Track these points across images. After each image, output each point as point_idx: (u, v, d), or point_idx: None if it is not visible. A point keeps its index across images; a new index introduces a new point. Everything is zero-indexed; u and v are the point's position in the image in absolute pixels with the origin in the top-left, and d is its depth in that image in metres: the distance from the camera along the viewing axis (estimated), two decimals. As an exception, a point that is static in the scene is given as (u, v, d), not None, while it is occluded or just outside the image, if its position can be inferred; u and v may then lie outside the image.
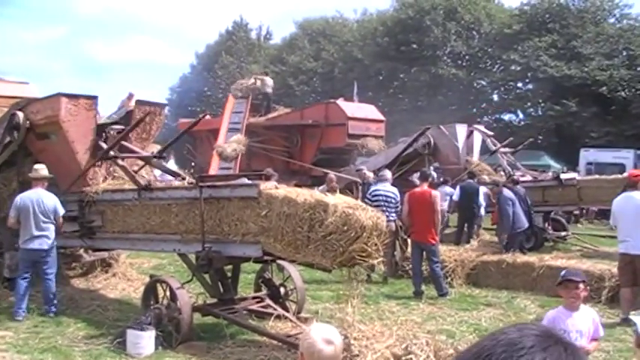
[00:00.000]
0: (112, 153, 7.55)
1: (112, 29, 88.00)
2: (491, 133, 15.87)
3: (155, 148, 8.97)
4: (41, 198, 7.44)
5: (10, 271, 8.35)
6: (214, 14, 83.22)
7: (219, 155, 16.71)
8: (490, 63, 35.36)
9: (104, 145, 7.79)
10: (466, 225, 12.16)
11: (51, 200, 7.48)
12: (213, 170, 15.82)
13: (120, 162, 7.53)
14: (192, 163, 18.40)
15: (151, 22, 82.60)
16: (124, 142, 7.63)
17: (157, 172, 8.89)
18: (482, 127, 16.06)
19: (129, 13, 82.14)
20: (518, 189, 11.25)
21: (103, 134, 8.11)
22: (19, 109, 8.42)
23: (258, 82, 19.59)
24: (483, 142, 15.01)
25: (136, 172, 7.86)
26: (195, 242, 6.45)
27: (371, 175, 11.58)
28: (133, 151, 7.80)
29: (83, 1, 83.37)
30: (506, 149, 15.30)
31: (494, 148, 14.94)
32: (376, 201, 9.10)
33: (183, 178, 7.30)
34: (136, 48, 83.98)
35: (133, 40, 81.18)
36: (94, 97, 8.09)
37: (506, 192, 10.61)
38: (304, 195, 5.66)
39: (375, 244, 5.27)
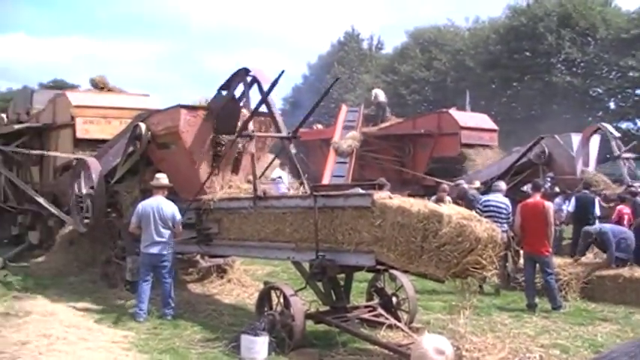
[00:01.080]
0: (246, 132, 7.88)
1: (226, 42, 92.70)
2: (618, 134, 15.21)
3: (268, 158, 9.38)
4: (161, 205, 7.91)
5: (131, 274, 8.98)
6: (326, 25, 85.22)
7: (335, 151, 17.37)
8: (606, 70, 33.92)
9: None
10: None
11: (170, 208, 7.93)
12: (326, 179, 16.23)
13: (250, 146, 7.86)
14: (305, 174, 19.05)
15: (264, 35, 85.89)
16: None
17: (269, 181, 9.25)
18: (609, 127, 15.38)
19: (242, 26, 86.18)
20: (636, 200, 10.73)
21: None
22: (141, 121, 9.08)
23: (373, 94, 20.19)
24: (604, 146, 14.45)
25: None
26: (309, 251, 6.61)
27: (467, 187, 11.49)
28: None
29: (199, 16, 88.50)
30: (629, 154, 14.61)
31: (618, 152, 14.33)
32: (487, 211, 8.98)
33: (302, 183, 7.51)
34: (250, 59, 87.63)
35: (246, 52, 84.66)
36: (212, 109, 8.49)
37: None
38: (418, 205, 5.69)
39: (490, 257, 5.22)
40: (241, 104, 8.56)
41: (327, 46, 53.85)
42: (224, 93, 8.56)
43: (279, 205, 7.19)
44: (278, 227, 7.13)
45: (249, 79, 8.45)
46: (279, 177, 13.06)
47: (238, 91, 8.65)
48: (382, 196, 6.05)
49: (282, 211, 7.11)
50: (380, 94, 20.08)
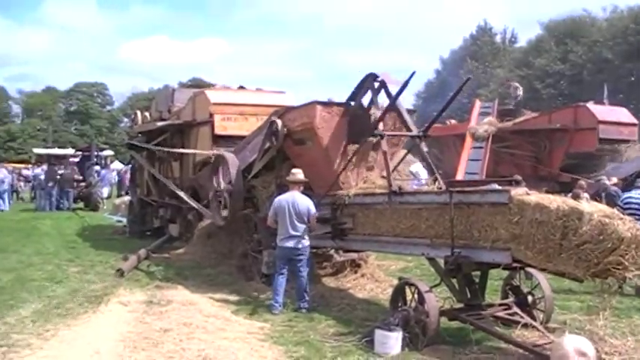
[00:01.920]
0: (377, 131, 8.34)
1: (358, 39, 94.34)
2: None
3: (401, 153, 9.75)
4: (296, 200, 8.45)
5: (267, 267, 9.59)
6: (458, 19, 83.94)
7: (472, 136, 17.84)
8: None
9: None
10: None
11: (305, 202, 8.46)
12: (460, 175, 16.42)
13: (383, 144, 8.27)
14: (439, 170, 19.44)
15: (396, 30, 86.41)
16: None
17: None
18: None
19: (374, 23, 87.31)
20: None
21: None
22: (278, 117, 9.73)
23: (513, 87, 20.25)
24: None
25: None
26: (444, 247, 6.85)
27: (608, 183, 11.20)
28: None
29: (331, 15, 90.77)
30: None
31: None
32: (629, 209, 8.89)
33: (436, 179, 7.83)
34: (380, 54, 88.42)
35: (377, 47, 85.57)
36: (347, 105, 9.03)
37: None
38: (557, 202, 5.79)
39: (633, 257, 5.24)
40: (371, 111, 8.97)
41: (460, 41, 53.25)
42: (352, 103, 9.07)
43: (414, 200, 7.47)
44: (413, 223, 7.41)
45: (376, 84, 8.83)
46: (417, 172, 13.41)
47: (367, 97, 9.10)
48: (519, 193, 6.18)
49: (417, 207, 7.38)
50: (519, 88, 20.17)
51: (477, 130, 17.94)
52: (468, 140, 18.00)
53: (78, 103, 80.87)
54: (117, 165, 41.87)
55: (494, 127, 17.95)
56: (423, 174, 13.04)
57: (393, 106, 8.59)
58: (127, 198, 22.78)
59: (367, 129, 8.61)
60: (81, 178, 28.05)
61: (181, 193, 13.23)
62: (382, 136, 8.38)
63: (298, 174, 8.80)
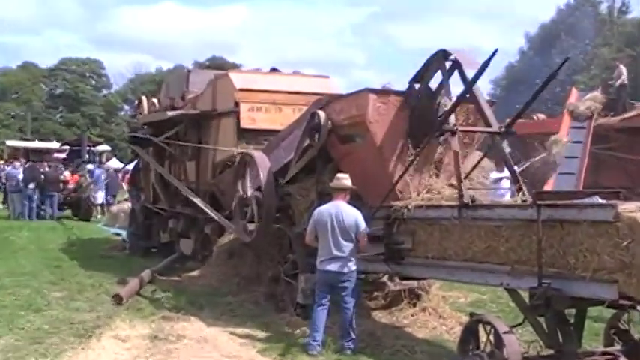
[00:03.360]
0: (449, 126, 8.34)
1: (419, 12, 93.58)
2: None
3: (476, 156, 9.77)
4: (341, 212, 8.56)
5: (304, 296, 9.69)
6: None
7: (571, 114, 18.20)
8: None
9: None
10: None
11: (352, 215, 8.56)
12: (550, 183, 16.32)
13: (454, 143, 8.30)
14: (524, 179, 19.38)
15: (469, 1, 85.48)
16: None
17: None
18: None
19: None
20: None
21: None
22: (320, 108, 9.86)
23: (616, 72, 20.14)
24: None
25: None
26: (529, 275, 6.83)
27: None
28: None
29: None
30: None
31: None
32: None
33: (520, 188, 7.84)
34: (445, 31, 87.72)
35: (441, 21, 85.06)
36: (409, 92, 9.07)
37: None
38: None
39: None
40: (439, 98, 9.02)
41: (552, 12, 52.63)
42: (417, 86, 9.11)
43: (491, 216, 7.48)
44: (490, 244, 7.41)
45: (448, 64, 8.84)
46: (501, 179, 13.35)
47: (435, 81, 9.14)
48: (630, 209, 6.12)
49: (495, 224, 7.38)
50: (623, 73, 20.15)
51: (577, 107, 18.20)
52: (566, 119, 18.17)
53: (65, 84, 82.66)
54: (115, 163, 42.73)
55: (599, 103, 18.23)
56: (507, 183, 13.01)
57: (468, 95, 8.59)
58: (127, 205, 23.28)
59: (434, 123, 8.65)
60: (69, 178, 28.72)
61: (197, 201, 13.49)
62: (453, 133, 8.37)
63: (344, 180, 8.91)
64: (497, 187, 13.19)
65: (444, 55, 8.86)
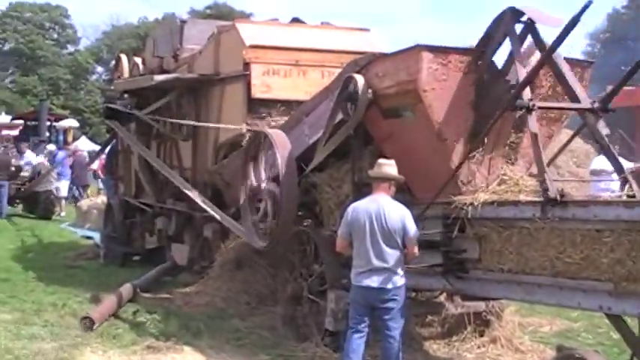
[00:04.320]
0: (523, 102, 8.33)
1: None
2: None
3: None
4: (384, 210, 8.54)
5: (334, 320, 9.79)
6: None
7: None
8: None
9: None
10: None
11: (398, 214, 8.55)
12: None
13: (532, 122, 8.34)
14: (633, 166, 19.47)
15: None
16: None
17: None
18: None
19: None
20: None
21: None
22: (357, 71, 9.90)
23: None
24: None
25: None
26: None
27: None
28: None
29: None
30: None
31: None
32: None
33: (625, 180, 7.90)
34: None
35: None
36: (477, 52, 9.13)
37: None
38: None
39: None
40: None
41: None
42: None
43: (587, 216, 7.44)
44: (587, 254, 7.40)
45: (520, 26, 8.92)
46: (602, 169, 13.20)
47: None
48: None
49: (593, 227, 7.36)
50: None
51: None
52: None
53: (16, 38, 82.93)
54: (84, 144, 42.92)
55: None
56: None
57: (548, 61, 8.60)
58: (100, 200, 23.54)
59: (506, 96, 8.70)
60: (21, 163, 28.98)
61: (194, 194, 13.63)
62: (530, 109, 8.42)
63: (388, 166, 8.93)
64: (600, 179, 13.08)
65: (513, 14, 8.91)
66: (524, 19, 8.90)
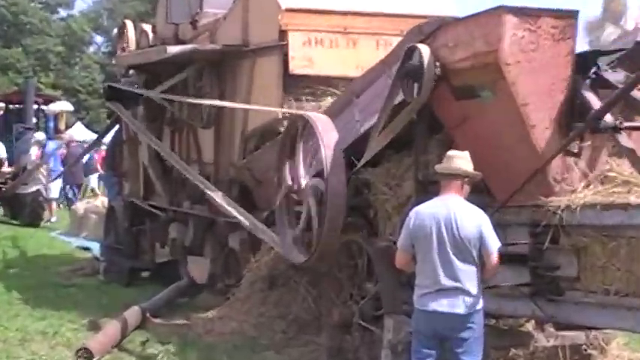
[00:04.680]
0: (608, 120, 8.32)
1: None
2: None
3: None
4: (455, 215, 8.50)
5: (393, 353, 9.82)
6: None
7: None
8: None
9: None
10: None
11: (473, 221, 8.51)
12: None
13: (623, 139, 8.32)
14: None
15: None
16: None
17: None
18: None
19: None
20: None
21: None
22: (421, 40, 9.92)
23: None
24: None
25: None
26: None
27: None
28: None
29: None
30: None
31: None
32: None
33: None
34: None
35: None
36: (573, 14, 9.11)
37: None
38: None
39: None
40: None
41: None
42: None
43: None
44: None
45: None
46: None
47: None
48: None
49: None
50: None
51: None
52: None
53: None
54: (80, 133, 43.17)
55: None
56: None
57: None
58: (100, 202, 23.68)
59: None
60: (3, 156, 29.19)
61: (217, 195, 13.57)
62: (618, 128, 8.43)
63: (461, 160, 8.86)
64: None
65: None
66: None
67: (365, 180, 11.00)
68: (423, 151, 10.25)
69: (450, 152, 8.97)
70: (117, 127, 19.53)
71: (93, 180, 32.29)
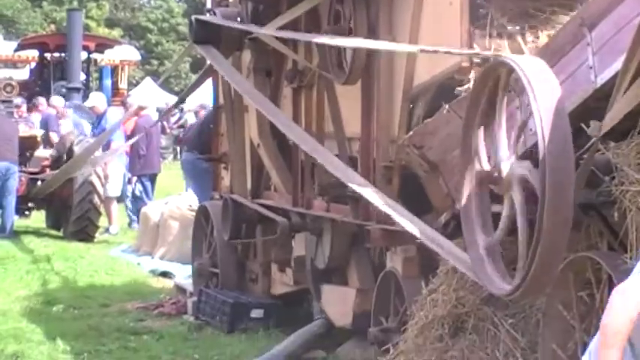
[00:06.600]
0: None
1: None
2: None
3: None
4: None
5: None
6: None
7: None
8: None
9: None
10: None
11: None
12: None
13: None
14: None
15: None
16: None
17: None
18: None
19: None
20: None
21: None
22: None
23: None
24: None
25: None
26: None
27: None
28: None
29: None
30: None
31: None
32: None
33: None
34: None
35: None
36: None
37: None
38: None
39: None
40: None
41: None
42: None
43: None
44: None
45: None
46: None
47: None
48: None
49: None
50: None
51: None
52: None
53: None
54: (151, 94, 43.63)
55: None
56: None
57: None
58: (184, 204, 23.79)
59: None
60: (38, 134, 29.24)
61: (366, 191, 13.37)
62: None
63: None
64: None
65: None
66: None
67: (604, 162, 10.71)
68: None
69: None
70: (208, 84, 19.59)
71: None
